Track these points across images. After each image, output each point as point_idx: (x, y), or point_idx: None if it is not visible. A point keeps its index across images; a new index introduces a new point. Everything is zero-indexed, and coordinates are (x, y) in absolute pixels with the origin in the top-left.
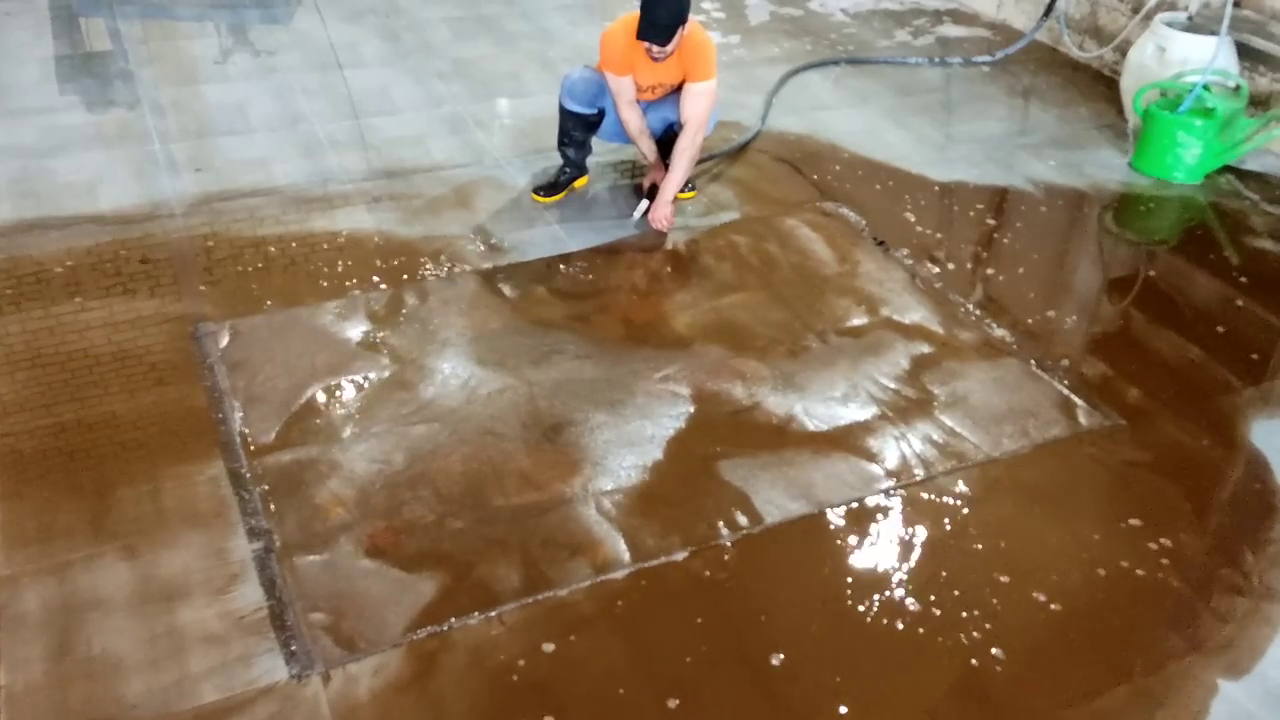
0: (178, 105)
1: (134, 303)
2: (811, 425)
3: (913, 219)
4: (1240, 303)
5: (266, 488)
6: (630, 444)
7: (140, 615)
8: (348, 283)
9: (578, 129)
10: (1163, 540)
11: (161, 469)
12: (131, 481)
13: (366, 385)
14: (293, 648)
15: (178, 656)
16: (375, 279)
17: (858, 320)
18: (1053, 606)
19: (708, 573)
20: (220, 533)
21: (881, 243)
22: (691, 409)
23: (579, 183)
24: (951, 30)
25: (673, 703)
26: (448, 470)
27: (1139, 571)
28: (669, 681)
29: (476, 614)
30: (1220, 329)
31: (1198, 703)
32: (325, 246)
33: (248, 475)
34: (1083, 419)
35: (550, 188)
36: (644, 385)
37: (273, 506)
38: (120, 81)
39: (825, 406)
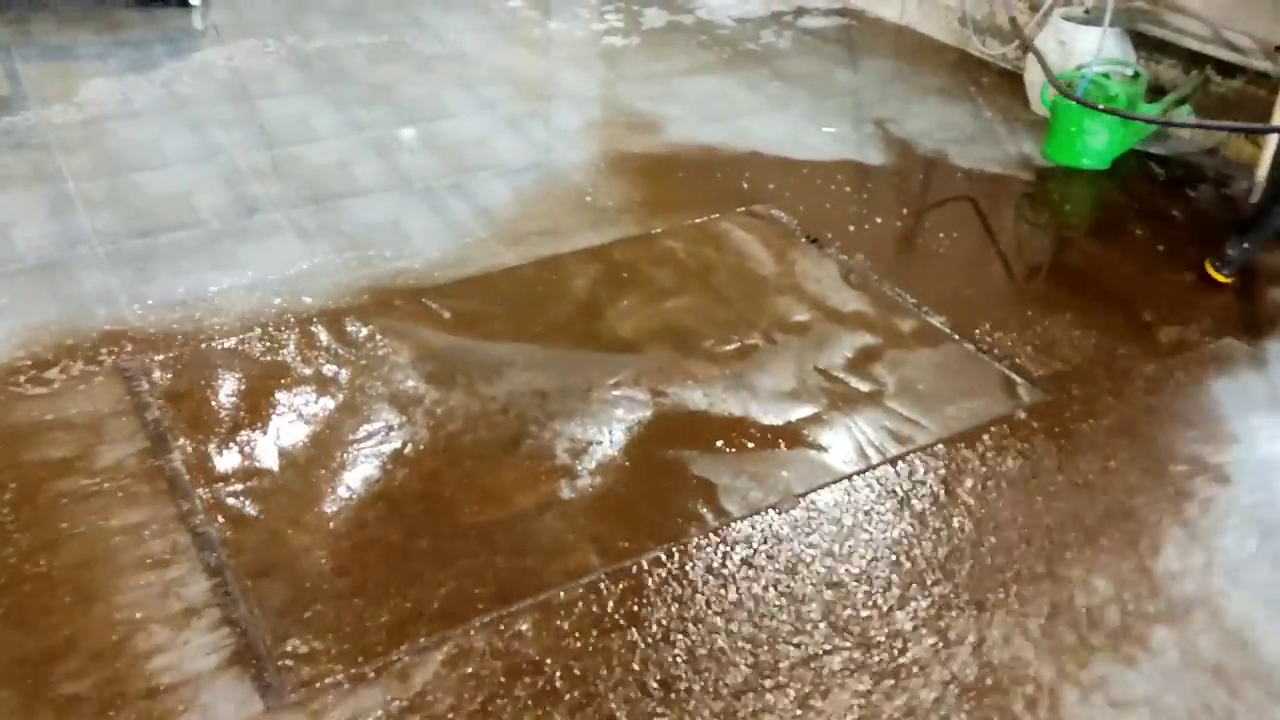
0: (88, 143)
1: (61, 342)
2: (766, 421)
3: (841, 215)
4: (1154, 276)
5: (220, 521)
6: (589, 451)
7: (101, 661)
8: (285, 310)
9: None
10: (1110, 506)
11: (106, 512)
12: (77, 529)
13: (316, 410)
14: (264, 679)
15: (144, 701)
16: (313, 305)
17: (800, 316)
18: (1009, 576)
19: (678, 571)
20: (177, 572)
21: (814, 240)
22: (647, 413)
23: None
24: (811, 21)
25: (653, 702)
26: (408, 490)
27: (1094, 540)
28: (646, 682)
29: (448, 631)
30: (1140, 301)
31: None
32: (257, 278)
33: (199, 510)
34: (1024, 395)
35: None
36: (597, 393)
37: (229, 537)
38: (25, 124)
39: (777, 402)
